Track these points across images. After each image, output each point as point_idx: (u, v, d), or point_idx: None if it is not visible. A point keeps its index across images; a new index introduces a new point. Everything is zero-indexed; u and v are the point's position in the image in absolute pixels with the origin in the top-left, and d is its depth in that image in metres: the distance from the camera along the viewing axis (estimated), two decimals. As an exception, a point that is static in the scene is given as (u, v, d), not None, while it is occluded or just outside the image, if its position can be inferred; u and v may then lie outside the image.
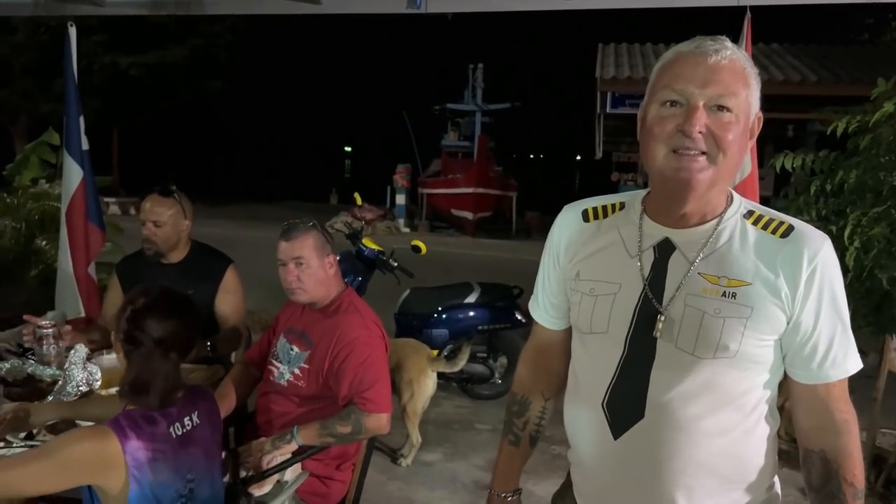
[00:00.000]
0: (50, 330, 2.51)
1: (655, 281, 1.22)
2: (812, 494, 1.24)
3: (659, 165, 1.18)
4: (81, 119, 3.71)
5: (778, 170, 3.59)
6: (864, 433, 3.84)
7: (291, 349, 2.37)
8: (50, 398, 2.20)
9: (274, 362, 2.42)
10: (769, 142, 12.87)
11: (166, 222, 2.78)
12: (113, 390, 2.22)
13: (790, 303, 1.17)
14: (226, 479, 2.02)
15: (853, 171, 3.24)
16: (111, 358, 2.45)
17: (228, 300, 2.85)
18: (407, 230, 17.02)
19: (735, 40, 3.63)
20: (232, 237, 4.70)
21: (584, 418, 1.31)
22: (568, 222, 1.37)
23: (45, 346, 2.49)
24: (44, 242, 4.74)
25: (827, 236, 1.21)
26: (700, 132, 1.14)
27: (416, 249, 4.87)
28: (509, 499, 1.49)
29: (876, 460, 3.66)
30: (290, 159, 38.06)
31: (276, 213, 18.99)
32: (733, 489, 1.24)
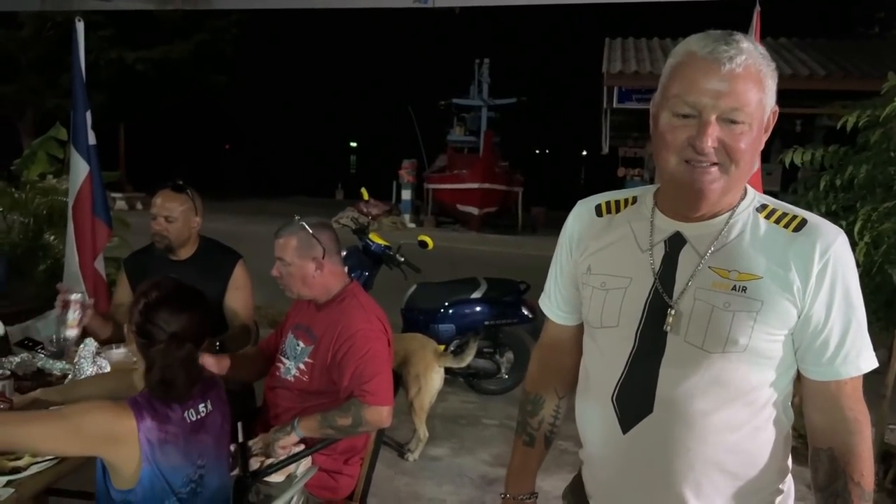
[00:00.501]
0: (78, 296, 2.53)
1: (666, 275, 1.22)
2: (818, 494, 1.21)
3: (671, 172, 1.17)
4: (89, 114, 3.71)
5: (787, 165, 3.57)
6: (872, 429, 3.83)
7: (298, 344, 2.38)
8: (59, 392, 2.21)
9: (281, 358, 2.44)
10: (777, 137, 12.78)
11: (178, 218, 2.78)
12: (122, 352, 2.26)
13: (801, 297, 1.15)
14: (235, 472, 2.03)
15: (863, 166, 3.22)
16: (120, 352, 2.47)
17: (238, 296, 2.85)
18: (412, 225, 17.05)
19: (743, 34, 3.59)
20: (238, 232, 4.71)
21: (593, 413, 1.31)
22: (580, 216, 1.37)
23: (70, 312, 2.50)
24: (52, 237, 4.76)
25: (841, 230, 1.19)
26: (713, 147, 1.12)
27: (423, 245, 4.87)
28: (526, 501, 1.47)
29: (885, 456, 3.65)
30: (295, 154, 38.07)
31: (282, 207, 19.03)
32: (741, 486, 1.22)
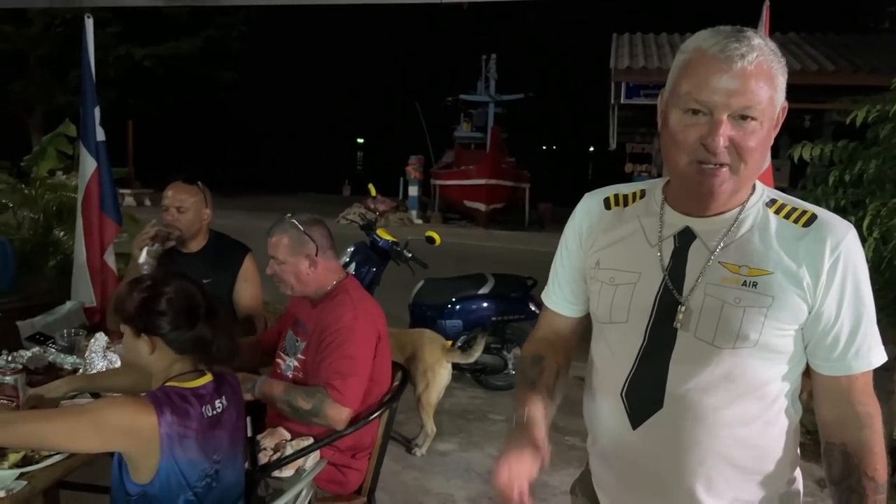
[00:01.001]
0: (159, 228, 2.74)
1: (675, 270, 1.21)
2: (832, 488, 1.21)
3: (681, 172, 1.17)
4: (97, 110, 3.73)
5: (796, 160, 3.56)
6: (884, 426, 3.82)
7: (296, 341, 2.39)
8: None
9: (281, 354, 2.45)
10: (785, 132, 12.73)
11: (189, 209, 2.80)
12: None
13: (812, 292, 1.15)
14: (245, 465, 2.04)
15: (873, 162, 3.21)
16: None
17: (246, 288, 2.87)
18: (419, 221, 17.06)
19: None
20: (245, 228, 4.73)
21: (602, 408, 1.31)
22: (589, 209, 1.36)
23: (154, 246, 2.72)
24: (61, 233, 4.79)
25: (851, 225, 1.18)
26: (724, 146, 1.11)
27: (431, 240, 4.88)
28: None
29: (894, 453, 3.64)
30: (303, 150, 38.09)
31: (289, 204, 19.06)
32: (753, 480, 1.23)
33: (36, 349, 2.46)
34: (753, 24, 3.37)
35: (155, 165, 19.27)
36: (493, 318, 4.66)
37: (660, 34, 14.20)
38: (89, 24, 3.69)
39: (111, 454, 1.63)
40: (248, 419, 2.33)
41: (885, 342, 3.74)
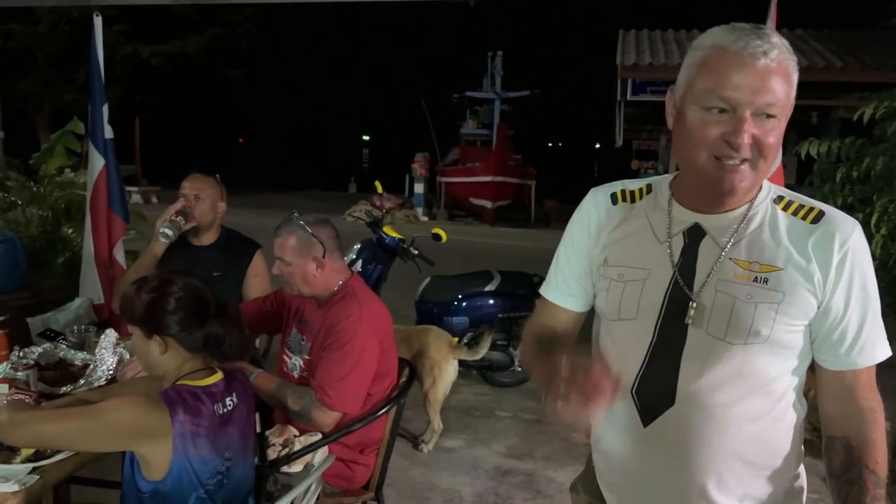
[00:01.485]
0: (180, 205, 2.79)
1: (685, 266, 1.21)
2: (833, 481, 1.23)
3: (699, 168, 1.16)
4: (105, 108, 3.75)
5: (803, 157, 3.55)
6: (887, 423, 3.81)
7: (301, 339, 2.40)
8: (81, 382, 2.24)
9: (287, 352, 2.46)
10: (792, 129, 12.63)
11: (206, 199, 2.84)
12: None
13: (821, 288, 1.16)
14: (255, 461, 2.06)
15: (880, 158, 3.20)
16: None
17: (256, 283, 2.90)
18: (425, 219, 17.05)
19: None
20: (252, 225, 4.74)
21: (612, 407, 1.30)
22: (597, 204, 1.35)
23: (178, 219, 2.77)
24: (70, 230, 4.80)
25: (857, 222, 1.20)
26: (748, 143, 1.12)
27: (437, 238, 4.88)
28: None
29: (900, 450, 3.63)
30: (309, 148, 38.16)
31: (296, 201, 19.07)
32: (761, 476, 1.24)
33: (47, 345, 2.48)
34: (761, 20, 3.37)
35: (162, 163, 19.30)
36: (500, 315, 4.66)
37: (666, 31, 14.15)
38: (98, 22, 3.71)
39: (122, 451, 1.64)
40: (258, 415, 2.35)
41: (891, 339, 3.72)
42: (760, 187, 1.24)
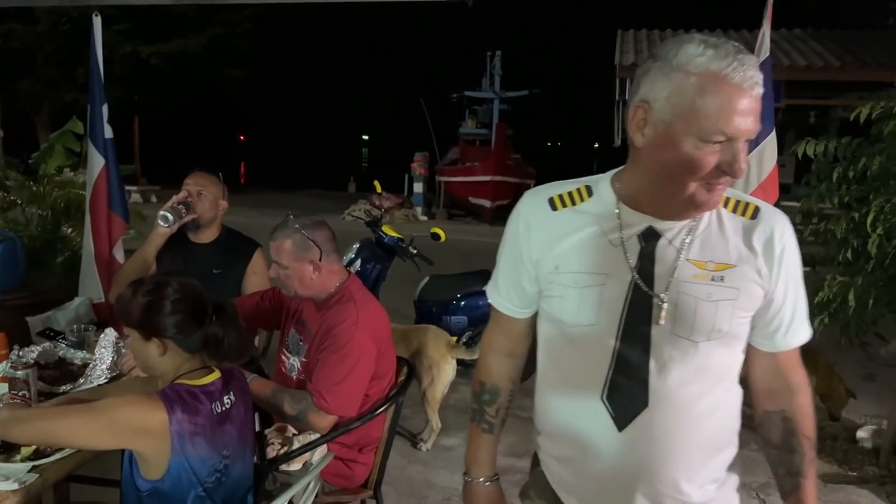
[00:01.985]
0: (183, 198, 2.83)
1: (644, 269, 1.22)
2: (773, 451, 1.33)
3: (689, 193, 1.16)
4: (105, 108, 3.76)
5: (800, 156, 3.56)
6: (884, 421, 3.82)
7: (299, 341, 2.40)
8: (81, 381, 2.26)
9: (285, 352, 2.46)
10: (790, 128, 12.73)
11: (208, 195, 2.87)
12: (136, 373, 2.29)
13: (767, 280, 1.23)
14: (254, 459, 2.07)
15: (877, 158, 3.21)
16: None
17: (255, 281, 2.91)
18: (424, 218, 17.05)
19: (756, 26, 3.57)
20: (252, 224, 4.75)
21: (579, 413, 1.30)
22: (535, 211, 1.33)
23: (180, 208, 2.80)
24: (69, 230, 4.81)
25: (785, 214, 1.28)
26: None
27: (436, 237, 4.89)
28: (487, 485, 1.48)
29: (896, 449, 3.64)
30: (309, 147, 38.15)
31: (295, 200, 19.09)
32: (720, 458, 1.31)
33: (46, 344, 2.49)
34: (757, 19, 3.38)
35: (161, 163, 19.32)
36: (498, 315, 4.67)
37: (665, 30, 14.18)
38: (97, 22, 3.71)
39: (121, 449, 1.65)
40: (257, 414, 2.36)
41: (888, 337, 3.72)
42: None
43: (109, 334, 2.38)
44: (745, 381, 1.34)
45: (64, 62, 17.57)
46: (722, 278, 1.21)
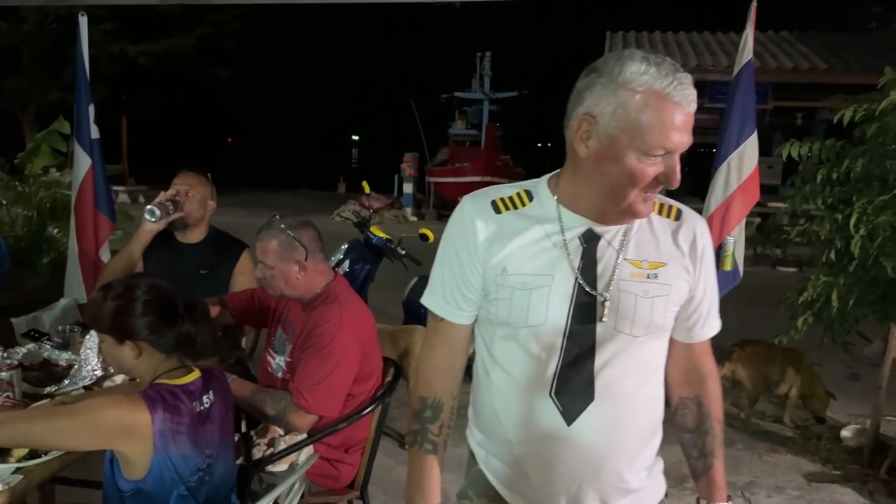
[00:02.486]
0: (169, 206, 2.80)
1: (586, 269, 1.27)
2: (687, 435, 1.43)
3: (627, 203, 1.22)
4: (91, 108, 3.75)
5: (784, 158, 3.59)
6: (868, 420, 3.86)
7: (286, 341, 2.40)
8: (66, 382, 2.25)
9: (271, 352, 2.46)
10: (778, 130, 12.82)
11: (196, 194, 2.87)
12: (119, 378, 2.28)
13: (692, 276, 1.33)
14: (239, 460, 2.07)
15: (860, 160, 3.24)
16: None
17: (242, 282, 2.91)
18: (414, 218, 17.06)
19: (740, 28, 3.59)
20: (241, 225, 4.73)
21: (527, 411, 1.32)
22: (479, 215, 1.33)
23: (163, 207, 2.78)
24: (55, 230, 4.80)
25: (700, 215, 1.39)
26: None
27: (424, 238, 4.89)
28: None
29: (880, 447, 3.68)
30: (298, 147, 38.03)
31: (285, 201, 19.05)
32: (650, 444, 1.39)
33: (31, 345, 2.48)
34: (743, 20, 3.41)
35: (149, 163, 19.20)
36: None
37: (653, 32, 14.25)
38: (83, 21, 3.70)
39: (104, 450, 1.65)
40: (243, 414, 2.36)
41: (872, 338, 3.75)
42: None
43: (94, 335, 2.37)
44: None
45: (50, 62, 17.43)
46: (656, 276, 1.29)
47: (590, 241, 1.28)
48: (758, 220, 8.45)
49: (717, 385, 1.45)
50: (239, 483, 1.91)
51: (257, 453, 2.18)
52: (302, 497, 2.07)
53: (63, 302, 3.19)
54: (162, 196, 2.82)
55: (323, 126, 40.90)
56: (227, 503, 1.80)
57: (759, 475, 3.57)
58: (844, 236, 3.26)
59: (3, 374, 1.98)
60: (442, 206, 17.91)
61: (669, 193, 1.35)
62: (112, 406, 1.55)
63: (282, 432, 2.25)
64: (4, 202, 4.87)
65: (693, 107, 1.18)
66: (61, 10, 13.76)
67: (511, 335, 1.32)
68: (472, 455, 1.49)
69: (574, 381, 1.28)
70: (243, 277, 2.91)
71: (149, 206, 2.77)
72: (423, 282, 4.79)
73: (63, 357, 2.45)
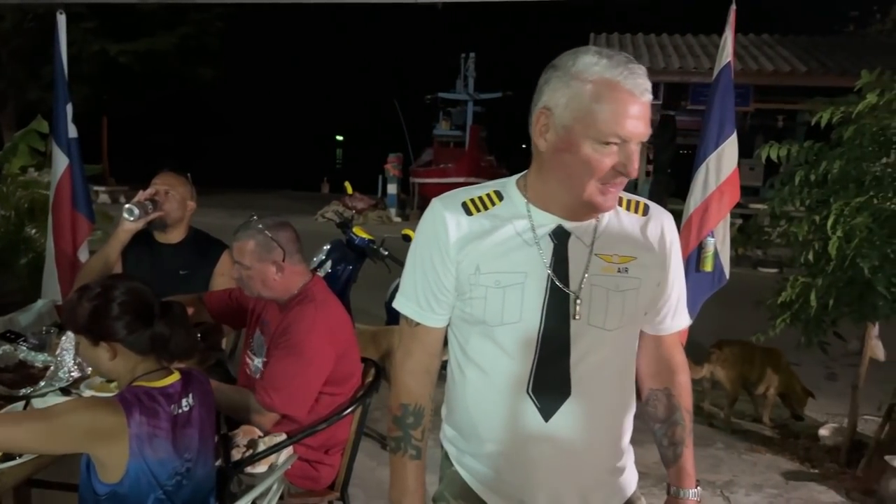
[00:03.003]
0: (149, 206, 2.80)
1: (558, 266, 1.29)
2: (658, 425, 1.46)
3: (588, 194, 1.24)
4: (69, 107, 3.71)
5: (763, 160, 3.63)
6: (845, 419, 3.90)
7: (263, 343, 2.39)
8: (42, 384, 2.22)
9: (250, 354, 2.44)
10: (759, 132, 12.94)
11: (175, 194, 2.86)
12: (98, 380, 2.25)
13: (661, 269, 1.36)
14: (218, 462, 2.05)
15: (837, 162, 3.27)
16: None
17: (222, 283, 2.89)
18: (398, 219, 17.03)
19: (722, 30, 3.61)
20: (224, 225, 4.70)
21: (505, 409, 1.33)
22: (451, 216, 1.34)
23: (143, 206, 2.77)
24: (33, 230, 4.75)
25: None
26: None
27: (408, 239, 4.88)
28: None
29: (857, 446, 3.73)
30: (281, 148, 37.82)
31: (268, 201, 18.93)
32: (626, 434, 1.43)
33: (6, 347, 2.45)
34: (722, 24, 3.44)
35: (130, 163, 19.01)
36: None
37: (636, 34, 14.34)
38: (62, 20, 3.66)
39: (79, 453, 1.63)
40: (222, 416, 2.34)
41: (849, 337, 3.79)
42: None
43: (71, 337, 2.34)
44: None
45: (29, 60, 17.22)
46: (626, 269, 1.31)
47: (560, 237, 1.30)
48: (739, 221, 8.52)
49: (687, 377, 1.48)
50: (218, 485, 1.90)
51: (236, 454, 2.17)
52: (281, 498, 2.06)
53: (40, 303, 3.16)
54: (141, 195, 2.80)
55: (306, 126, 40.73)
56: (205, 506, 1.79)
57: (739, 474, 3.60)
58: (822, 237, 3.30)
59: (-23, 376, 1.95)
60: (426, 207, 17.77)
61: (651, 194, 1.36)
62: (87, 408, 1.54)
63: (261, 433, 2.24)
64: (-19, 202, 4.81)
65: (647, 97, 1.20)
66: (40, 7, 13.59)
67: (486, 334, 1.32)
68: (446, 456, 1.49)
69: (550, 378, 1.29)
70: (223, 278, 2.89)
71: (127, 205, 2.75)
72: (405, 283, 4.85)
73: (39, 359, 2.42)
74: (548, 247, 1.29)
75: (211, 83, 21.72)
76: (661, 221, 1.37)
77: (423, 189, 17.77)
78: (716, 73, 3.47)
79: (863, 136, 3.24)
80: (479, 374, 1.35)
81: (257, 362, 2.39)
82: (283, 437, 2.21)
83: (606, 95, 1.18)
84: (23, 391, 2.17)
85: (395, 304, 1.43)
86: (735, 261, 3.80)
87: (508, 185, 1.37)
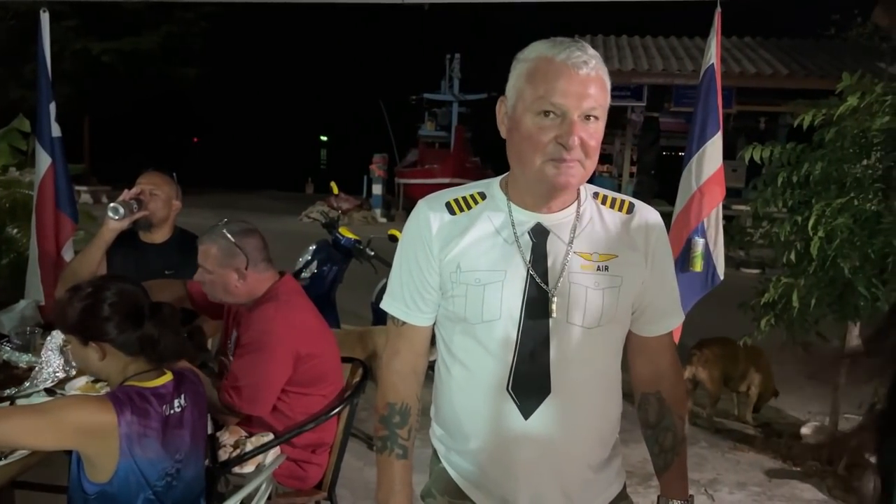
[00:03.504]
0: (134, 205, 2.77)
1: (537, 263, 1.30)
2: (649, 431, 1.44)
3: (536, 171, 1.25)
4: (52, 106, 3.68)
5: (746, 161, 3.67)
6: (826, 418, 3.95)
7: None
8: (27, 384, 2.20)
9: (228, 354, 2.43)
10: (742, 133, 13.06)
11: (160, 194, 2.85)
12: (82, 381, 2.24)
13: (644, 268, 1.34)
14: (206, 462, 2.05)
15: (819, 163, 3.32)
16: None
17: None
18: (384, 220, 17.02)
19: (706, 33, 3.64)
20: (208, 225, 4.69)
21: (485, 406, 1.34)
22: (435, 216, 1.36)
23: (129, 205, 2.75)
24: (15, 230, 4.69)
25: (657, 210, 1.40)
26: (578, 144, 1.23)
27: (394, 239, 4.88)
28: None
29: (840, 442, 3.77)
30: (266, 148, 37.64)
31: (252, 202, 18.85)
32: (610, 428, 1.42)
33: (-11, 348, 2.43)
34: (708, 27, 3.48)
35: (113, 162, 18.84)
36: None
37: (620, 36, 14.42)
38: (45, 18, 3.63)
39: (68, 453, 1.62)
40: (209, 416, 2.34)
41: (830, 338, 3.82)
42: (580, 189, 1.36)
43: (56, 337, 2.33)
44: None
45: (11, 58, 17.03)
46: (607, 268, 1.31)
47: (539, 235, 1.31)
48: (723, 222, 8.58)
49: (680, 380, 1.46)
50: (206, 485, 1.90)
51: (223, 455, 2.17)
52: (269, 498, 2.06)
53: (23, 303, 3.13)
54: (126, 194, 2.79)
55: (291, 126, 40.54)
56: (195, 507, 1.79)
57: (722, 472, 3.64)
58: (804, 238, 3.34)
59: (-39, 376, 1.93)
60: (411, 208, 17.45)
61: (635, 195, 1.37)
62: (78, 405, 1.54)
63: (248, 434, 2.24)
64: (-38, 202, 4.75)
65: (585, 70, 1.21)
66: (22, 5, 13.45)
67: (468, 331, 1.34)
68: (435, 453, 1.50)
69: (530, 375, 1.29)
70: None
71: (112, 204, 2.74)
72: (392, 283, 4.85)
73: (23, 359, 2.41)
74: (527, 244, 1.31)
75: (195, 83, 21.59)
76: (646, 219, 1.37)
77: (408, 190, 17.76)
78: (701, 74, 3.51)
79: (844, 139, 3.29)
80: (463, 372, 1.36)
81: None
82: (271, 437, 2.21)
83: (541, 69, 1.23)
84: (7, 392, 2.15)
85: (383, 305, 1.44)
86: (717, 261, 3.81)
87: (492, 185, 1.39)
